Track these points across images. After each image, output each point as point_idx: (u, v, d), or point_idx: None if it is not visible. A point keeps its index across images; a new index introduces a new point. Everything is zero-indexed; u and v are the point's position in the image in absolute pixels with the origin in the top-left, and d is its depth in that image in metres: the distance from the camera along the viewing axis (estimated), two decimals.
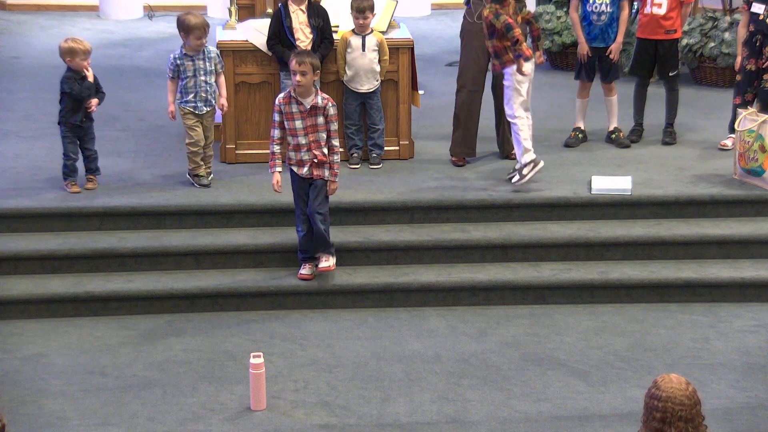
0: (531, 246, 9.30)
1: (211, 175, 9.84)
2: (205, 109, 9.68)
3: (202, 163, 9.74)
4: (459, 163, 10.25)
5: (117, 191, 9.65)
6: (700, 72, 12.71)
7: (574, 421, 7.46)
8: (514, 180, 9.61)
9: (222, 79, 9.77)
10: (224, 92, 9.77)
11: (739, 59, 10.56)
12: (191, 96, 9.61)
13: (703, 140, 10.93)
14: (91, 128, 9.64)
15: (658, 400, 5.36)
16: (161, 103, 10.98)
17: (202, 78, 9.60)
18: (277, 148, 8.78)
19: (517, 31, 9.33)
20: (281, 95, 8.74)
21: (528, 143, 9.55)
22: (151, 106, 11.79)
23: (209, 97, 9.66)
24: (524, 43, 9.42)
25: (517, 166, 9.62)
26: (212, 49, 9.71)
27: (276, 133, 8.74)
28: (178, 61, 9.57)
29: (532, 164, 9.55)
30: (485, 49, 10.02)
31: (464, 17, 10.25)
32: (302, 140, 8.68)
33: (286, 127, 8.69)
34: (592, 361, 8.20)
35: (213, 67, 9.66)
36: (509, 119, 9.63)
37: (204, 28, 9.50)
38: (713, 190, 9.71)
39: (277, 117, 8.71)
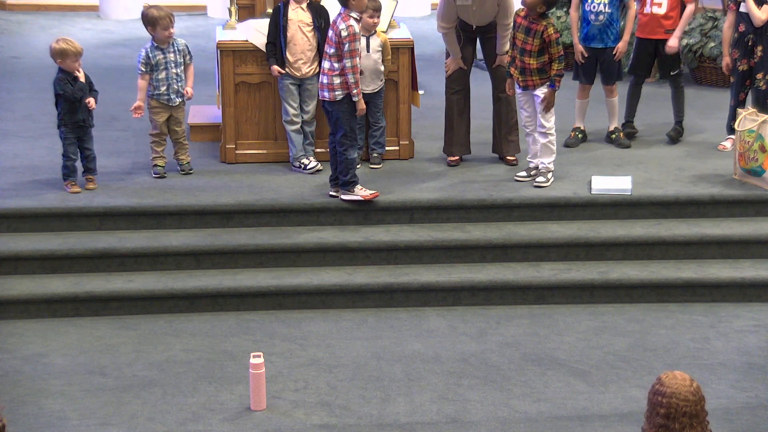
0: (531, 246, 9.30)
1: (189, 163, 10.09)
2: (177, 100, 9.87)
3: (163, 154, 9.97)
4: (453, 162, 10.27)
5: (117, 191, 9.65)
6: (700, 72, 12.71)
7: (574, 421, 7.46)
8: (539, 179, 9.71)
9: (191, 69, 9.98)
10: (191, 82, 9.97)
11: (726, 60, 10.57)
12: (164, 89, 9.82)
13: (703, 140, 10.93)
14: (91, 128, 9.66)
15: (663, 396, 5.36)
16: None
17: (174, 70, 9.82)
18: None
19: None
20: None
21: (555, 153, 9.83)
22: None
23: (180, 89, 9.87)
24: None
25: (542, 169, 9.74)
26: (181, 41, 9.94)
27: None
28: (150, 54, 9.74)
29: (552, 172, 9.74)
30: (465, 51, 10.11)
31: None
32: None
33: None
34: (592, 361, 8.20)
35: (182, 59, 9.88)
36: (545, 132, 9.66)
37: (169, 18, 9.73)
38: (713, 190, 9.71)
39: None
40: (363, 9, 9.42)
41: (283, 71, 9.94)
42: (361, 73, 9.62)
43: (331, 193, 9.51)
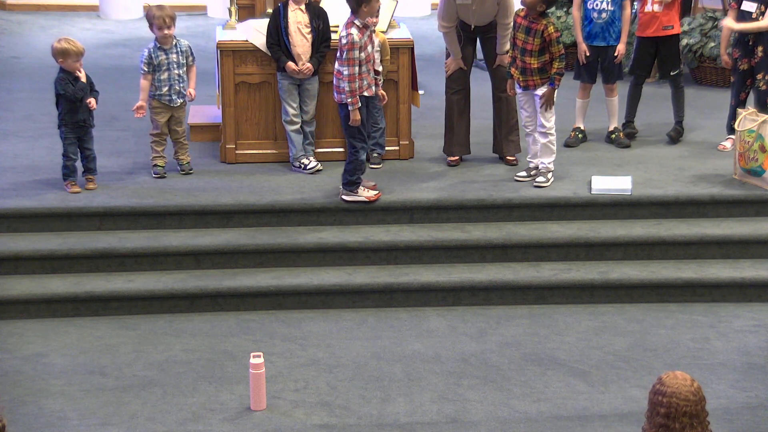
0: (531, 246, 9.30)
1: (189, 163, 10.09)
2: (178, 101, 9.88)
3: (163, 154, 9.97)
4: (453, 162, 10.27)
5: (117, 191, 9.65)
6: (700, 72, 12.71)
7: (574, 421, 7.46)
8: (539, 179, 9.72)
9: (194, 70, 9.99)
10: (194, 83, 9.98)
11: (725, 58, 10.58)
12: (166, 89, 9.82)
13: (703, 140, 10.94)
14: (91, 128, 9.67)
15: (663, 395, 5.37)
16: None
17: (176, 71, 9.82)
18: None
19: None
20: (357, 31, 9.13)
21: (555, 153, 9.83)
22: None
23: (182, 90, 9.88)
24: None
25: (542, 169, 9.74)
26: (184, 42, 9.94)
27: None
28: (153, 55, 9.76)
29: (552, 172, 9.74)
30: (466, 51, 10.11)
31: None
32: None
33: (363, 56, 9.21)
34: (592, 361, 8.20)
35: (185, 60, 9.87)
36: (546, 131, 9.67)
37: (164, 18, 9.69)
38: (713, 190, 9.72)
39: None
40: (374, 15, 9.35)
41: (298, 67, 9.92)
42: (377, 73, 9.62)
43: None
